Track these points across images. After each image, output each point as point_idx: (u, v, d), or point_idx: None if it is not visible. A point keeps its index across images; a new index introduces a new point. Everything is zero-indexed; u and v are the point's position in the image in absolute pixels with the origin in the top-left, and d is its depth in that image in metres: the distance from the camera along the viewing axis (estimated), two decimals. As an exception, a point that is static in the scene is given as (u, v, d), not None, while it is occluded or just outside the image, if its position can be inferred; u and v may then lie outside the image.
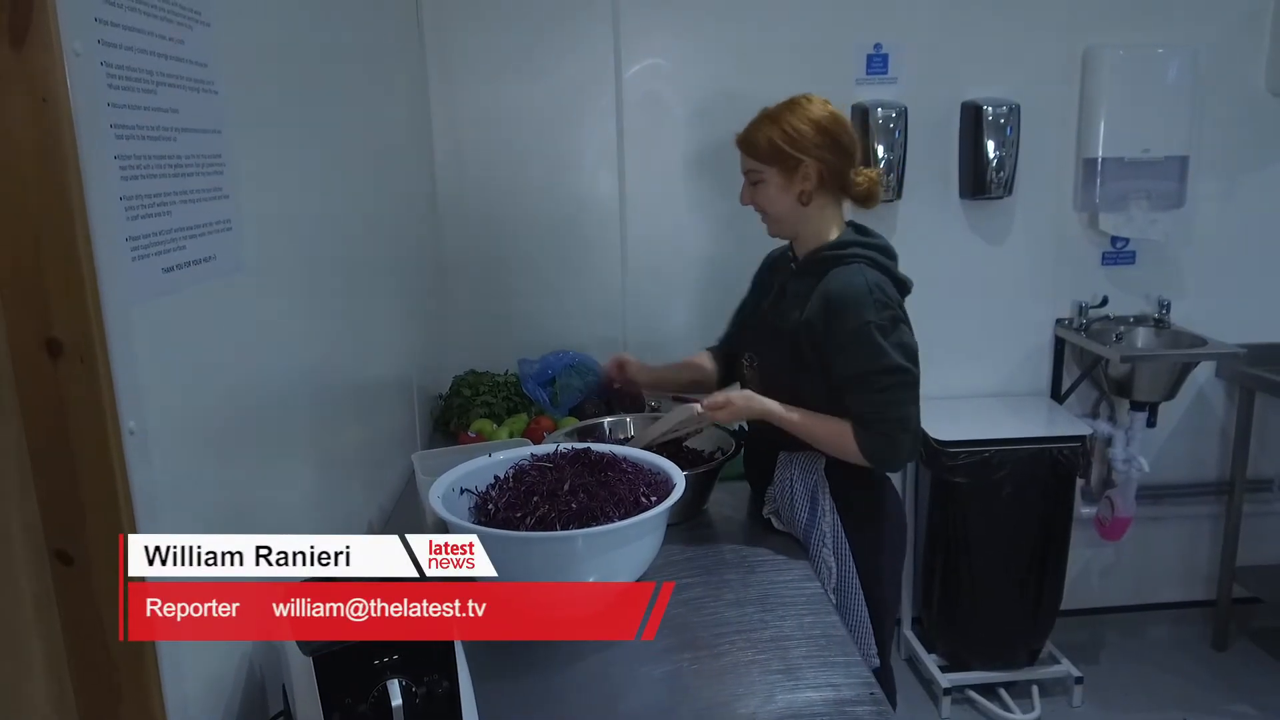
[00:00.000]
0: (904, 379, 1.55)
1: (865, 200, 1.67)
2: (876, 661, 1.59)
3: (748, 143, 1.66)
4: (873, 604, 1.63)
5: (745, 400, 1.66)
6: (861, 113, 2.58)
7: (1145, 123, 2.66)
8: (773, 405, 1.63)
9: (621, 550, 1.33)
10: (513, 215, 2.65)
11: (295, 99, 1.40)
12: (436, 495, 1.39)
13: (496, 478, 1.52)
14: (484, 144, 2.61)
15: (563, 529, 1.33)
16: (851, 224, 1.69)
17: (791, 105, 1.64)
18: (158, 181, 0.95)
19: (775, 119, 1.63)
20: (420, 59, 2.52)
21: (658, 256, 2.70)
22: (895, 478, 2.86)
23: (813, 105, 1.63)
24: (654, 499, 1.40)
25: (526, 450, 1.59)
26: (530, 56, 2.56)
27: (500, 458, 1.54)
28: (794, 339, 1.62)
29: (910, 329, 1.60)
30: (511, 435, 2.15)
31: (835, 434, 1.58)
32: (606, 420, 2.01)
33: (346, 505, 1.60)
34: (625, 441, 1.96)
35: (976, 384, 2.86)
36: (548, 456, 1.56)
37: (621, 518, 1.35)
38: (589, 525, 1.34)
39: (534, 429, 2.18)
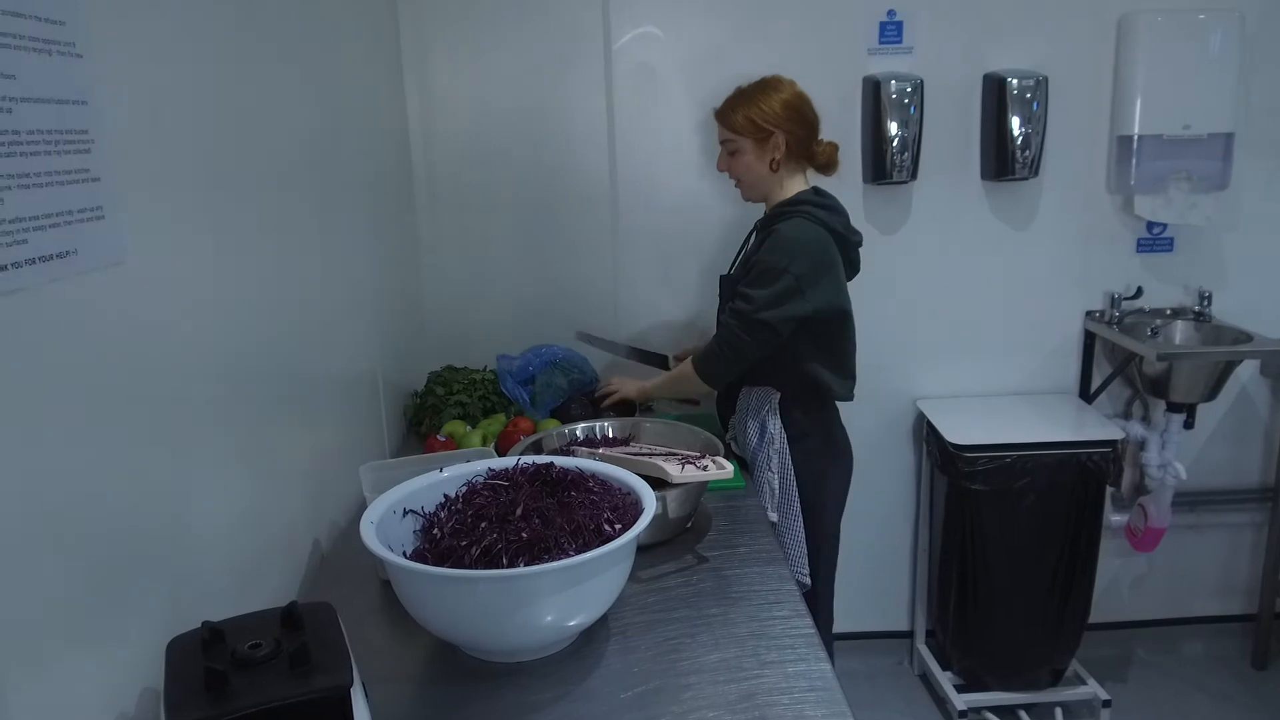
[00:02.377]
0: (766, 329, 1.78)
1: (826, 168, 1.94)
2: (808, 582, 1.89)
3: (726, 117, 1.90)
4: (814, 527, 1.91)
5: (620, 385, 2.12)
6: (873, 86, 2.37)
7: (1186, 96, 2.42)
8: (645, 384, 2.09)
9: (580, 587, 1.15)
10: (495, 198, 2.47)
11: (216, 63, 1.22)
12: (371, 520, 1.22)
13: (446, 496, 1.35)
14: (463, 119, 2.42)
15: (510, 562, 1.16)
16: (813, 188, 1.91)
17: (763, 85, 1.89)
18: (-22, 162, 0.77)
19: (750, 97, 1.87)
20: (392, 23, 2.33)
21: (653, 240, 2.51)
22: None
23: (782, 85, 1.89)
24: (619, 526, 1.22)
25: (483, 464, 1.42)
26: (512, 25, 2.37)
27: (447, 474, 1.36)
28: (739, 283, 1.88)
29: (833, 289, 1.83)
30: (485, 440, 1.98)
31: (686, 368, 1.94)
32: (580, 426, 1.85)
33: (284, 521, 1.43)
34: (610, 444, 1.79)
35: (997, 382, 2.65)
36: (505, 472, 1.38)
37: (579, 549, 1.17)
38: (540, 557, 1.16)
39: (511, 432, 2.01)
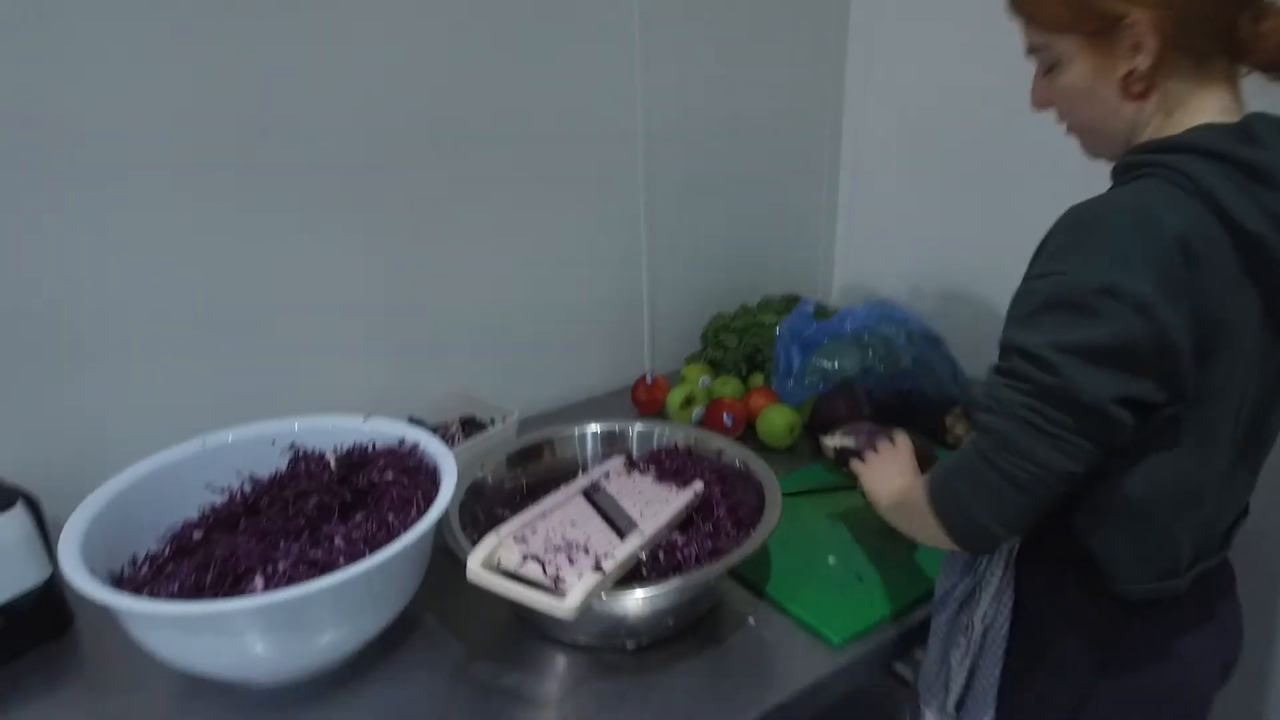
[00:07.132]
0: (1041, 388, 0.74)
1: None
2: None
3: (1024, 2, 0.86)
4: None
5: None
6: None
7: None
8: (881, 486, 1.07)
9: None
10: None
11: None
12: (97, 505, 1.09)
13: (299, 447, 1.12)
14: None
15: (209, 592, 0.92)
16: (1241, 122, 0.78)
17: None
18: None
19: None
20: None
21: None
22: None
23: None
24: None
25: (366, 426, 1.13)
26: None
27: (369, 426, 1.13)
28: None
29: (1179, 324, 0.72)
30: (689, 402, 1.53)
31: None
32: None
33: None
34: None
35: None
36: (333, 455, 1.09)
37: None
38: (236, 588, 0.93)
39: (730, 405, 1.50)
